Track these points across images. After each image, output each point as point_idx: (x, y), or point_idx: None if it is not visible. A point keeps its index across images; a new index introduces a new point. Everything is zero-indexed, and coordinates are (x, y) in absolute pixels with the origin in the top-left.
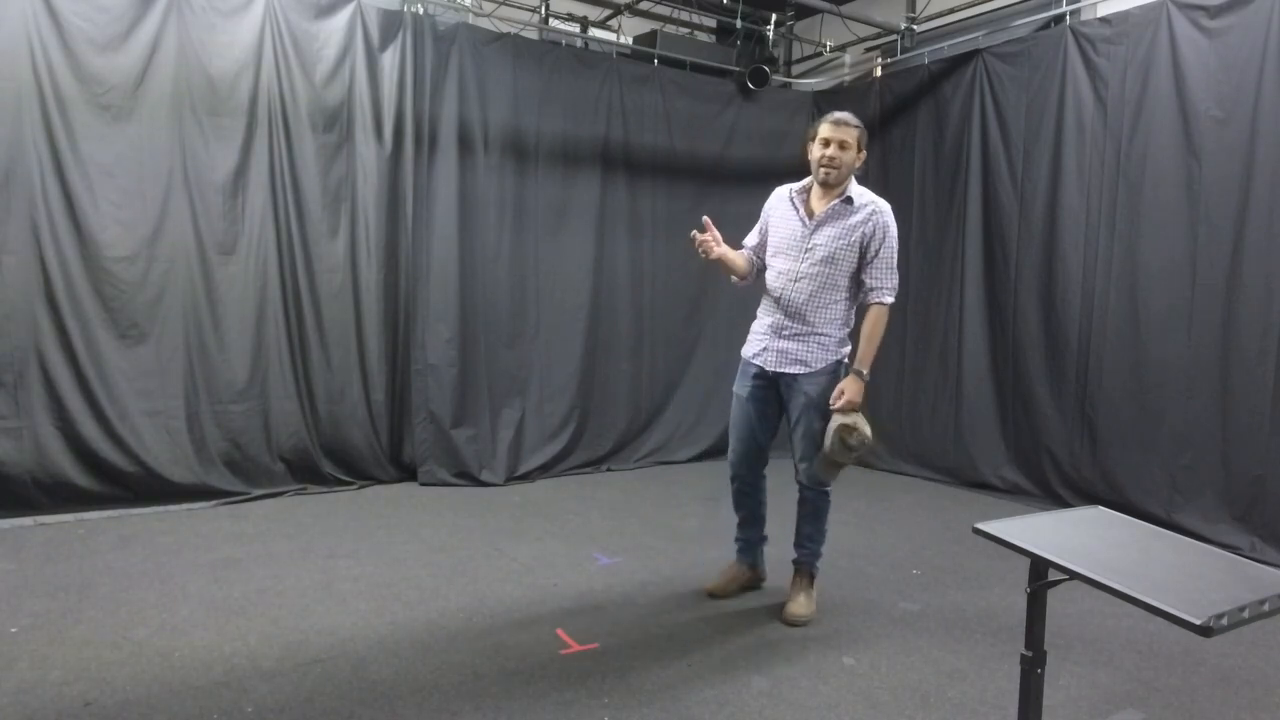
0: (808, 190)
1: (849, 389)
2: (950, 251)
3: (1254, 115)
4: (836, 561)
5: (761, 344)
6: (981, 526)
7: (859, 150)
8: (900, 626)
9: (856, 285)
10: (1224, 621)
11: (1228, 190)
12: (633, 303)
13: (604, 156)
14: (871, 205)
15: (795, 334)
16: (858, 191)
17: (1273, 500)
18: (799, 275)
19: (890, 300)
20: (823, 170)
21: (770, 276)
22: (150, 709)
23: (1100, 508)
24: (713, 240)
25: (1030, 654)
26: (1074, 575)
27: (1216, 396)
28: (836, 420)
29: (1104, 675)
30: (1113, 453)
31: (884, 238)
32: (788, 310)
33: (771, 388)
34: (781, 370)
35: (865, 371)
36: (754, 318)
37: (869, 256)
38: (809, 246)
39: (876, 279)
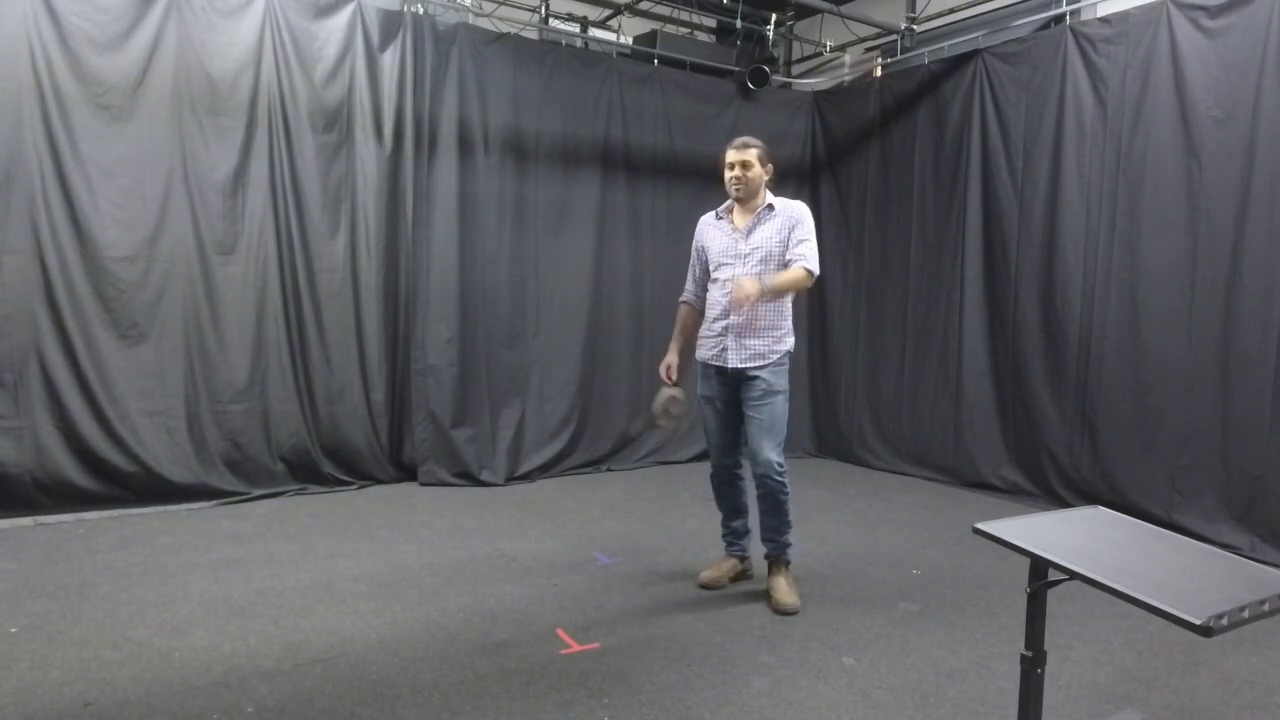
0: (730, 210)
1: (747, 282)
2: (950, 251)
3: (1254, 115)
4: (836, 562)
5: (719, 345)
6: (981, 526)
7: (763, 165)
8: (900, 626)
9: None
10: (1224, 621)
11: (1228, 190)
12: (633, 303)
13: (604, 156)
14: (790, 207)
15: (751, 331)
16: (777, 200)
17: (1273, 500)
18: (744, 277)
19: (807, 267)
20: (734, 189)
21: (716, 287)
22: (150, 709)
23: (1100, 508)
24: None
25: (1030, 654)
26: (1074, 575)
27: (1216, 397)
28: (667, 392)
29: (1104, 675)
30: (1113, 453)
31: (803, 226)
32: (741, 311)
33: (731, 385)
34: (742, 366)
35: (768, 286)
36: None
37: (791, 242)
38: (747, 251)
39: (798, 254)
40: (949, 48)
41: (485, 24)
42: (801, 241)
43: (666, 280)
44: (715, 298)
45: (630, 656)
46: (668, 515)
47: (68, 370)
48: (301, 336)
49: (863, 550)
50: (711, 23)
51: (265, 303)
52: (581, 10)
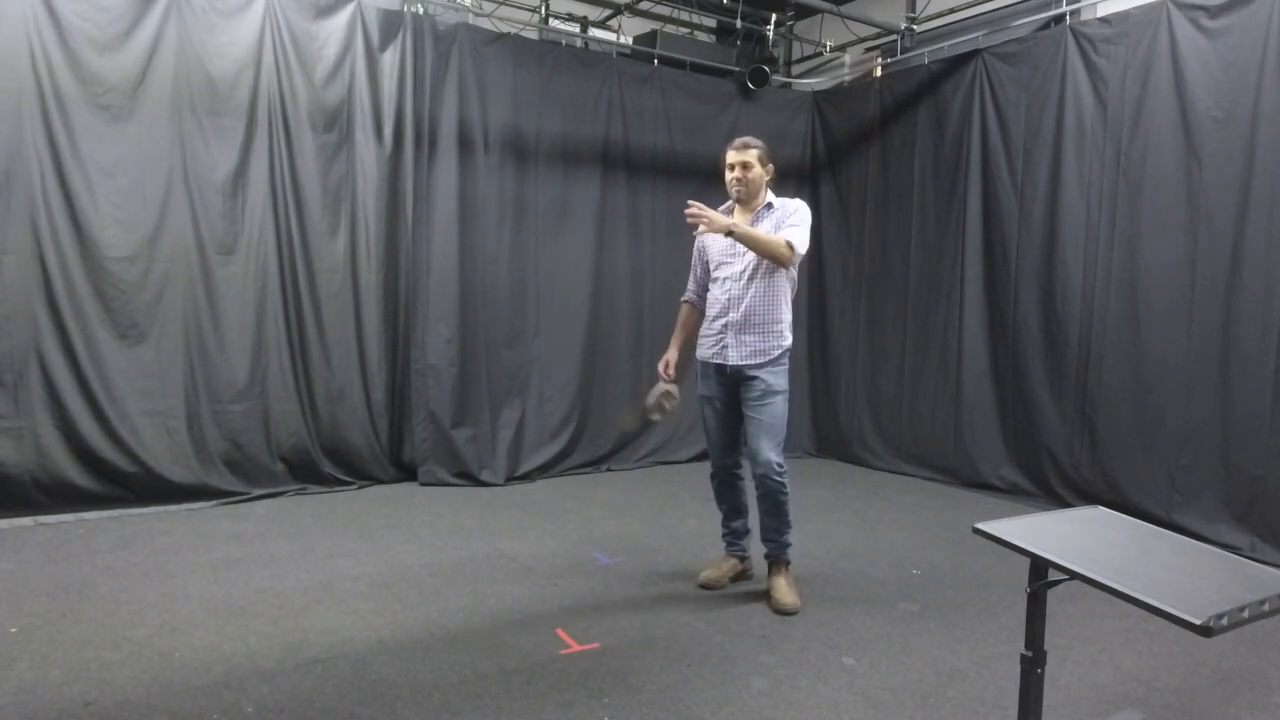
0: (731, 210)
1: (717, 215)
2: (950, 251)
3: (1254, 115)
4: (836, 562)
5: (719, 343)
6: (981, 526)
7: (764, 166)
8: (900, 626)
9: (786, 276)
10: (1224, 621)
11: (1228, 190)
12: (633, 303)
13: (604, 156)
14: (789, 203)
15: (751, 328)
16: (776, 199)
17: (1273, 500)
18: (743, 274)
19: (789, 239)
20: (735, 189)
21: (717, 285)
22: (150, 709)
23: (1100, 508)
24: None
25: (1030, 654)
26: (1074, 575)
27: (1216, 396)
28: (663, 386)
29: (1104, 675)
30: (1113, 453)
31: (798, 215)
32: (740, 308)
33: (731, 384)
34: (742, 364)
35: (735, 229)
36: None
37: (784, 226)
38: (747, 250)
39: (786, 234)
40: (949, 48)
41: (485, 24)
42: (793, 228)
43: (666, 280)
44: (716, 297)
45: (630, 656)
46: (668, 515)
47: (68, 370)
48: (301, 336)
49: (863, 550)
50: (711, 23)
51: (265, 303)
52: (581, 10)
